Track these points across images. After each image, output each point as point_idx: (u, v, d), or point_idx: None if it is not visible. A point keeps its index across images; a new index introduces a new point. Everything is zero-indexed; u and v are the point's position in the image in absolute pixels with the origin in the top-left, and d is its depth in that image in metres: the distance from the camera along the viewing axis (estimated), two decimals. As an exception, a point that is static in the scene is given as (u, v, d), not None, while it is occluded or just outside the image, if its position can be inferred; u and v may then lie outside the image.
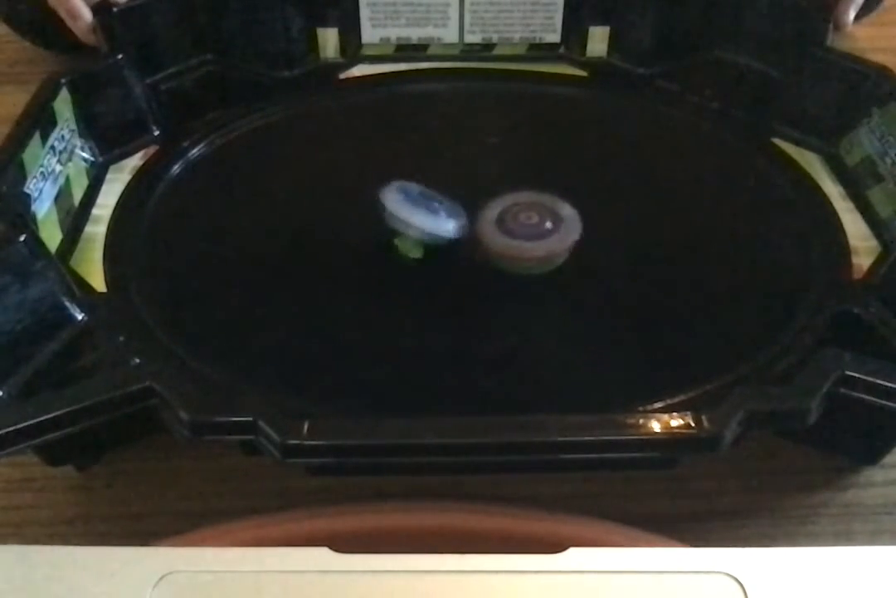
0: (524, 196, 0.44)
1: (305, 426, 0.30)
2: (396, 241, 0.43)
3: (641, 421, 0.31)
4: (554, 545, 0.26)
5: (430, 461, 0.32)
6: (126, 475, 0.37)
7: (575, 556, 0.26)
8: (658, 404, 0.36)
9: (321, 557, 0.26)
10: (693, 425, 0.30)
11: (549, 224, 0.42)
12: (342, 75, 0.56)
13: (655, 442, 0.31)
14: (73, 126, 0.47)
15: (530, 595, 0.26)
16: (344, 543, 0.26)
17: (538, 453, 0.31)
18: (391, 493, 0.36)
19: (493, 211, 0.43)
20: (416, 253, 0.42)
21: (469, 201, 0.44)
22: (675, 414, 0.31)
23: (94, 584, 0.25)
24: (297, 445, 0.30)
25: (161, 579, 0.25)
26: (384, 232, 0.43)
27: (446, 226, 0.42)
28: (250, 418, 0.31)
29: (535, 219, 0.42)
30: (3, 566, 0.26)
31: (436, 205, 0.43)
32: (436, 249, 0.42)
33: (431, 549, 0.26)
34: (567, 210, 0.43)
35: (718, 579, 0.26)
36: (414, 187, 0.43)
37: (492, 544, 0.30)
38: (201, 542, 0.31)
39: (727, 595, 0.25)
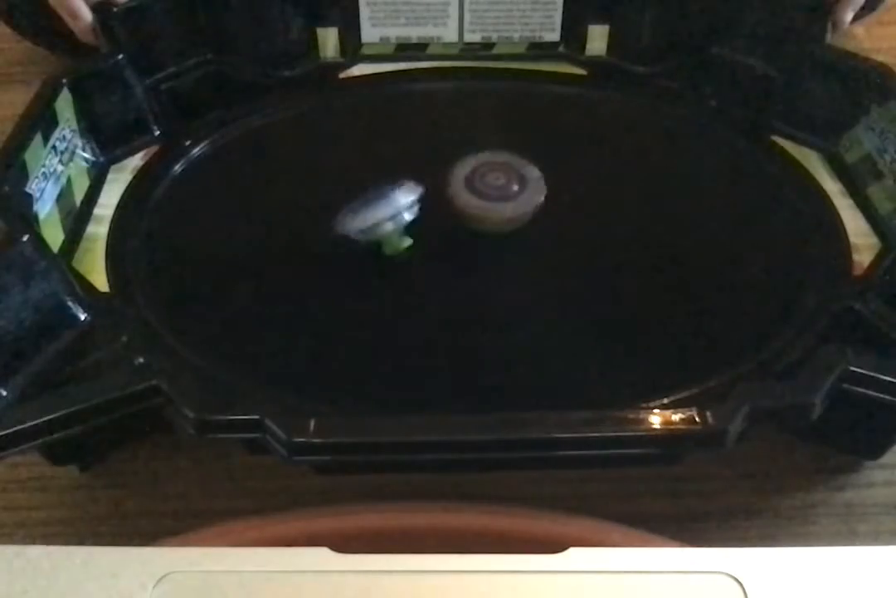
0: (493, 156, 0.44)
1: (312, 424, 0.30)
2: (382, 247, 0.43)
3: (646, 417, 0.31)
4: (554, 545, 0.26)
5: (436, 458, 0.32)
6: (126, 475, 0.38)
7: (575, 556, 0.26)
8: (661, 401, 0.36)
9: (321, 557, 0.26)
10: (698, 420, 0.30)
11: (515, 186, 0.43)
12: (342, 75, 0.56)
13: (661, 438, 0.31)
14: (75, 126, 0.47)
15: (530, 595, 0.26)
16: (344, 543, 0.26)
17: (545, 449, 0.32)
18: (392, 493, 0.36)
19: (463, 170, 0.43)
20: (404, 242, 0.43)
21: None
22: (679, 410, 0.31)
23: (94, 584, 0.25)
24: (303, 443, 0.30)
25: (161, 579, 0.25)
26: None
27: (404, 204, 0.42)
28: (257, 417, 0.31)
29: (503, 180, 0.43)
30: (3, 566, 0.26)
31: (380, 195, 0.42)
32: (418, 228, 0.43)
33: (431, 549, 0.26)
34: (534, 172, 0.43)
35: (718, 579, 0.26)
36: (357, 202, 0.43)
37: (492, 544, 0.30)
38: (201, 542, 0.31)
39: (727, 595, 0.25)
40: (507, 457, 0.33)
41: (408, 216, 0.42)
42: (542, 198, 0.43)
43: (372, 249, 0.43)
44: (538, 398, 0.37)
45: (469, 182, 0.43)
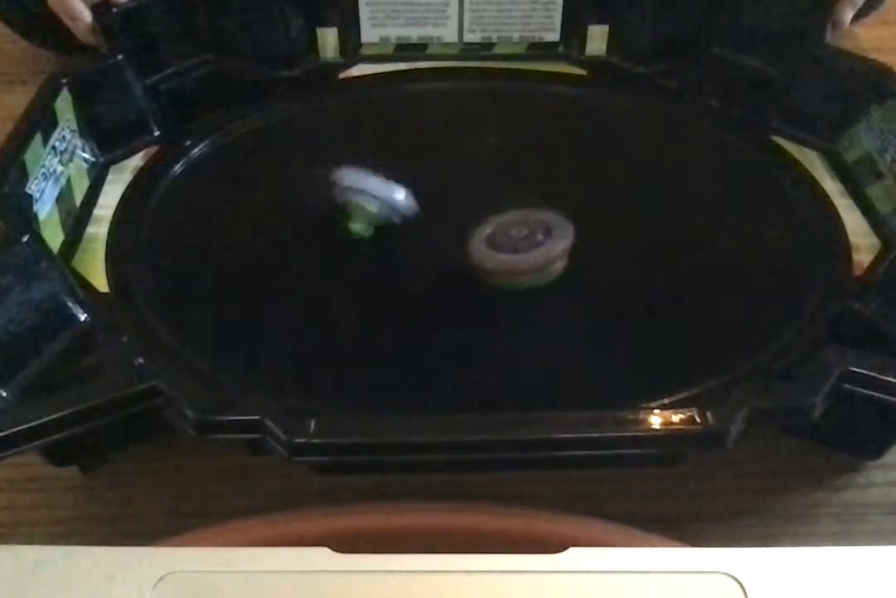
0: (513, 214, 0.43)
1: (312, 425, 0.30)
2: (348, 222, 0.43)
3: (647, 418, 0.31)
4: (554, 545, 0.26)
5: (435, 459, 0.33)
6: (126, 475, 0.37)
7: (575, 556, 0.26)
8: (661, 401, 0.36)
9: (321, 557, 0.26)
10: (698, 421, 0.30)
11: (539, 235, 0.42)
12: (342, 75, 0.56)
13: (661, 438, 0.31)
14: (74, 126, 0.47)
15: (530, 595, 0.26)
16: (344, 543, 0.26)
17: (545, 449, 0.31)
18: (392, 493, 0.36)
19: (483, 231, 0.43)
20: (366, 231, 0.43)
21: (468, 201, 0.45)
22: (680, 411, 0.31)
23: (94, 584, 0.25)
24: (304, 443, 0.30)
25: (161, 579, 0.25)
26: (386, 232, 0.43)
27: (399, 195, 0.43)
28: (257, 417, 0.31)
29: (525, 232, 0.42)
30: (3, 566, 0.26)
31: (385, 183, 0.44)
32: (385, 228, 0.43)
33: (431, 549, 0.26)
34: (556, 219, 0.42)
35: (718, 579, 0.26)
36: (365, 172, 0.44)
37: (492, 544, 0.30)
38: (201, 542, 0.31)
39: (727, 595, 0.25)
40: (508, 457, 0.33)
41: (392, 203, 0.43)
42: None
43: (338, 219, 0.44)
44: (538, 398, 0.37)
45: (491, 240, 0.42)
